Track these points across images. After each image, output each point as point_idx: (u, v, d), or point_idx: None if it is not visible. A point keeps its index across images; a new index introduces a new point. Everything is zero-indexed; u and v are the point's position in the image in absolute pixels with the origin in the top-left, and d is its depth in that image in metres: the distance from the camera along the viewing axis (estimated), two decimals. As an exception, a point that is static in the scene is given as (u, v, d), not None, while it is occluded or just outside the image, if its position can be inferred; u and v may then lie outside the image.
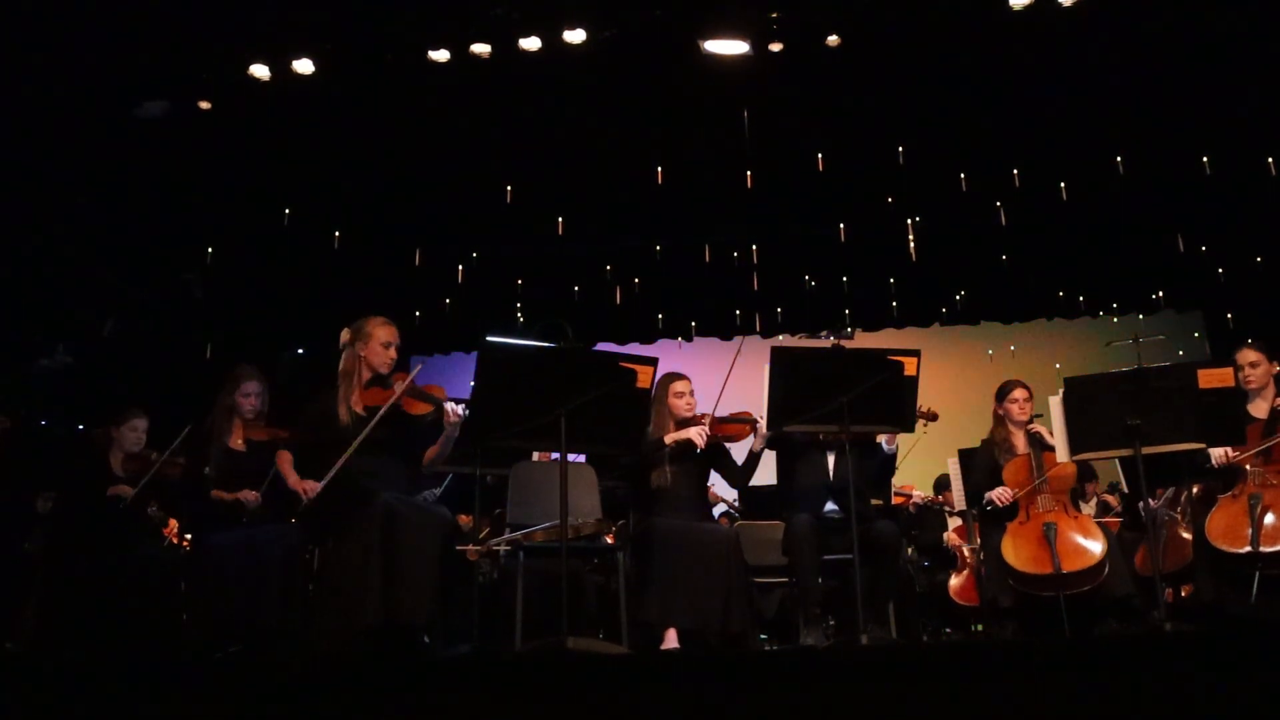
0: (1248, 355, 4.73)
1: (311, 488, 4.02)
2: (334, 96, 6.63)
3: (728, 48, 6.25)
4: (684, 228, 8.34)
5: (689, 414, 4.83)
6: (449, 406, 4.08)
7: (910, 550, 6.87)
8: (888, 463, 5.03)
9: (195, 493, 4.74)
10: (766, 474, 5.13)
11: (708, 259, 8.53)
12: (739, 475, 4.97)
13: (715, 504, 6.41)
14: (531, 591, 4.51)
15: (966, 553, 6.56)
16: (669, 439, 4.68)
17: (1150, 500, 4.99)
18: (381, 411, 4.07)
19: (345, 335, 4.30)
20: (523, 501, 5.06)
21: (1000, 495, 4.85)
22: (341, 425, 4.12)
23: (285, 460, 4.28)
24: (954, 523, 6.88)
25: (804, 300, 8.80)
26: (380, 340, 4.24)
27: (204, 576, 4.51)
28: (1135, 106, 6.91)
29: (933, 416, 4.99)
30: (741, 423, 4.79)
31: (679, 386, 4.86)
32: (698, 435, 4.63)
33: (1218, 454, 4.51)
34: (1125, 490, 6.14)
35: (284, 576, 4.41)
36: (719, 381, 4.91)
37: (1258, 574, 4.27)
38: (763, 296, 8.74)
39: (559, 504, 3.76)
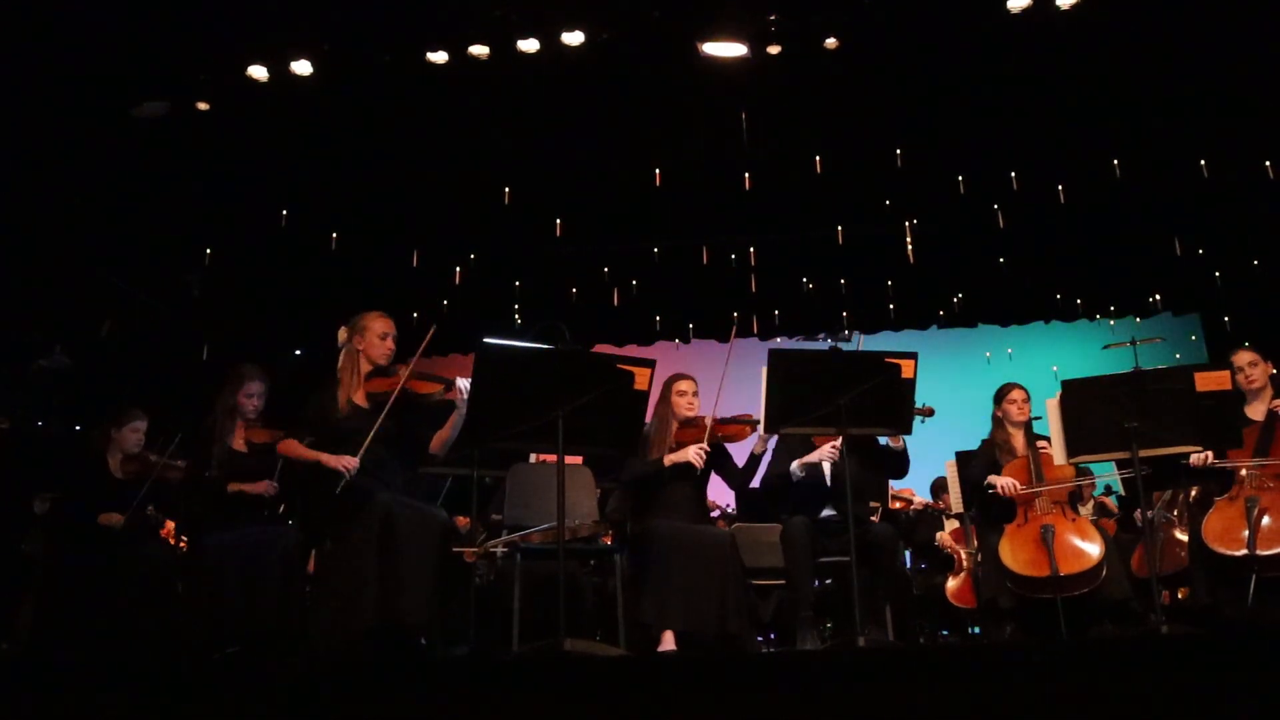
0: (1245, 356, 4.75)
1: (351, 463, 3.99)
2: (332, 98, 6.62)
3: (726, 50, 6.25)
4: (682, 229, 8.34)
5: (691, 414, 4.85)
6: (460, 383, 4.07)
7: (907, 553, 6.88)
8: (901, 459, 4.93)
9: (198, 494, 4.73)
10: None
11: (705, 261, 8.53)
12: (739, 477, 4.98)
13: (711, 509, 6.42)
14: (529, 593, 4.51)
15: (963, 555, 6.56)
16: (668, 460, 4.70)
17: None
18: (394, 396, 4.06)
19: (342, 334, 4.31)
20: (520, 503, 5.06)
21: (1006, 485, 4.83)
22: (342, 418, 4.12)
23: (295, 445, 4.16)
24: (951, 525, 6.89)
25: (802, 303, 8.80)
26: (377, 332, 4.25)
27: (202, 578, 4.50)
28: (1133, 109, 6.91)
29: (929, 412, 4.98)
30: (742, 423, 4.80)
31: (682, 386, 4.89)
32: (695, 457, 4.64)
33: (1196, 457, 4.51)
34: (1121, 494, 6.15)
35: (282, 578, 4.41)
36: (717, 383, 4.92)
37: (1254, 577, 4.28)
38: (760, 298, 8.75)
39: (556, 506, 3.76)
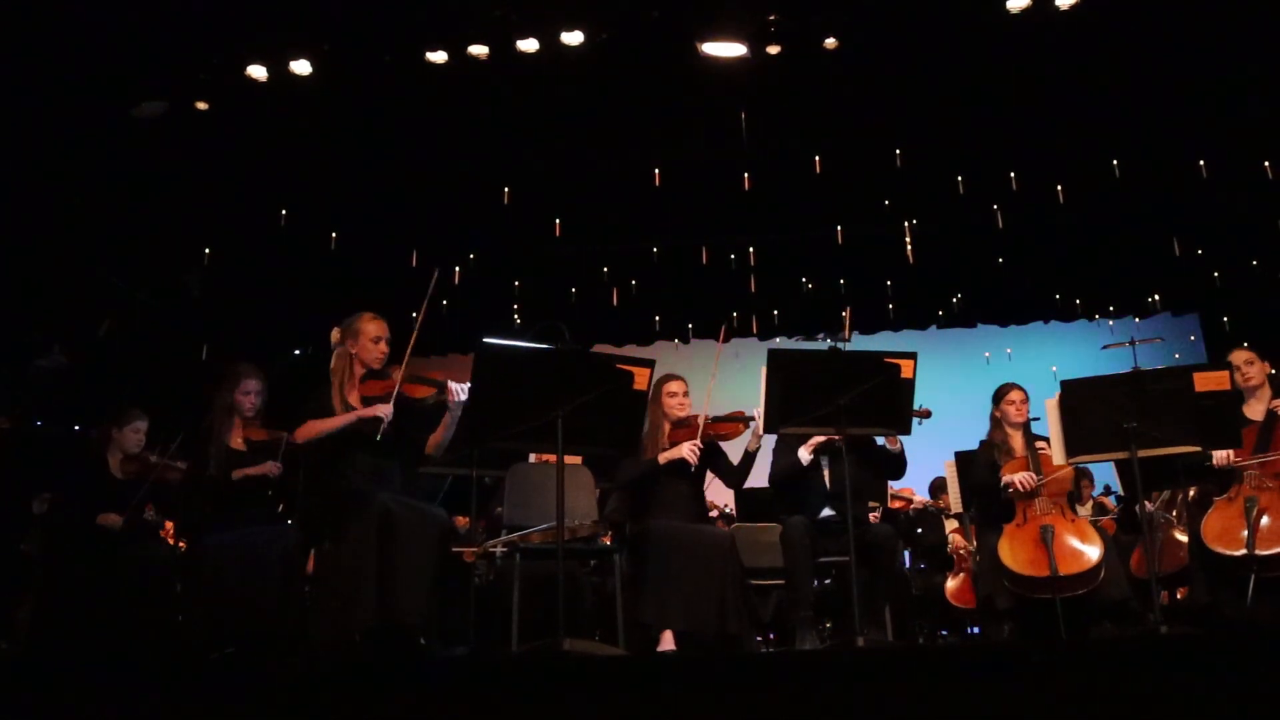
0: (1241, 355, 4.75)
1: (385, 409, 3.98)
2: (331, 97, 6.63)
3: (725, 50, 6.26)
4: (681, 230, 8.35)
5: (682, 414, 4.84)
6: (453, 385, 4.06)
7: (907, 553, 6.88)
8: (898, 461, 4.96)
9: (198, 494, 4.71)
10: (764, 476, 5.13)
11: (705, 261, 8.54)
12: (735, 475, 4.98)
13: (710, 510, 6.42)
14: (528, 593, 4.51)
15: (963, 554, 6.57)
16: (663, 458, 4.70)
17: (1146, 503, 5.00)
18: (393, 398, 4.04)
19: (335, 334, 4.28)
20: (519, 503, 5.06)
21: (1024, 479, 4.82)
22: None
23: (316, 423, 4.07)
24: (950, 525, 6.89)
25: (801, 302, 8.81)
26: (369, 335, 4.22)
27: (202, 578, 4.49)
28: (1132, 110, 6.92)
29: (926, 414, 4.98)
30: (735, 421, 4.80)
31: (672, 386, 4.89)
32: (690, 453, 4.64)
33: (1220, 456, 4.51)
34: (1120, 494, 6.15)
35: (281, 578, 4.40)
36: (716, 383, 4.92)
37: (1253, 577, 4.28)
38: (760, 298, 8.75)
39: (556, 506, 3.76)
